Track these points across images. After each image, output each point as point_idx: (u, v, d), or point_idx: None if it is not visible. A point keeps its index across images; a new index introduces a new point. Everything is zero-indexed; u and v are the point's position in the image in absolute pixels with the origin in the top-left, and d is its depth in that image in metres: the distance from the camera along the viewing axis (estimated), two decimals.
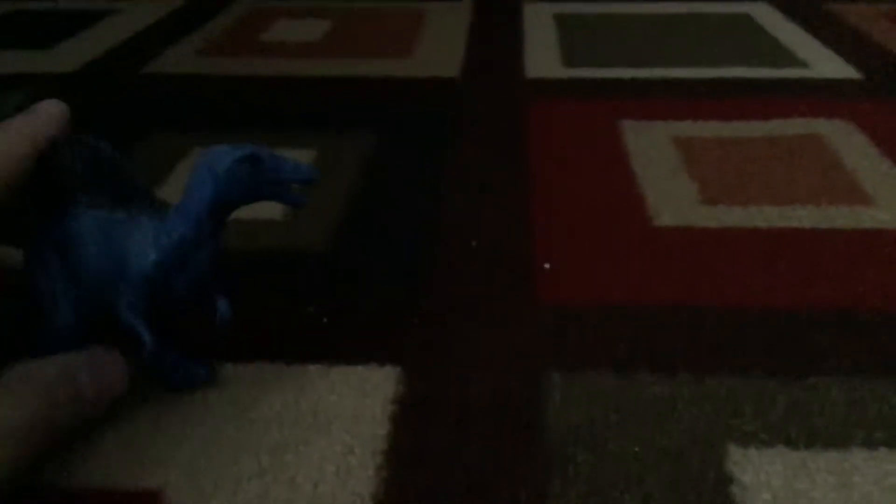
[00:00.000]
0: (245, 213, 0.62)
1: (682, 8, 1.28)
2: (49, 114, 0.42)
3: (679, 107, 0.88)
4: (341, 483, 0.40)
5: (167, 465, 0.41)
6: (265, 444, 0.42)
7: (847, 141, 0.79)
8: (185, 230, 0.42)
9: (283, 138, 0.80)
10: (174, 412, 0.44)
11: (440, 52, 1.08)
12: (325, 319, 0.53)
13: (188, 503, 0.39)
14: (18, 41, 1.12)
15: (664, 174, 0.73)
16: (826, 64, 1.02)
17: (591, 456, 0.42)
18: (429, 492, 0.40)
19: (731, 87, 0.94)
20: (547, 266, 0.59)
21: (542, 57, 1.06)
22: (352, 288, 0.56)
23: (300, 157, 0.76)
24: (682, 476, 0.40)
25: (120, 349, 0.42)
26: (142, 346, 0.41)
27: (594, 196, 0.69)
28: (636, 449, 0.42)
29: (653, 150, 0.78)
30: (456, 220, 0.65)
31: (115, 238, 0.41)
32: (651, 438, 0.43)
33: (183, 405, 0.45)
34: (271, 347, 0.50)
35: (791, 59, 1.04)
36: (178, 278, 0.42)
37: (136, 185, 0.43)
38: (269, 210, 0.66)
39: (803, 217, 0.65)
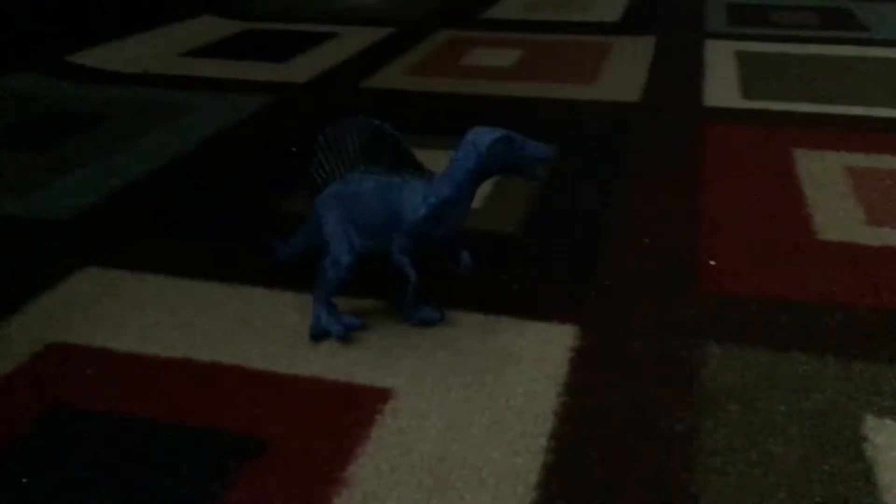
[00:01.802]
0: None
1: (863, 52, 1.30)
2: None
3: (852, 140, 0.92)
4: (529, 400, 0.50)
5: (397, 371, 0.52)
6: (469, 367, 0.53)
7: None
8: (449, 192, 0.54)
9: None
10: (399, 336, 0.56)
11: (623, 79, 1.17)
12: (515, 286, 0.63)
13: (411, 400, 0.50)
14: (257, 55, 1.33)
15: (833, 197, 0.78)
16: None
17: (742, 407, 0.49)
18: (597, 416, 0.49)
19: None
20: (712, 263, 0.66)
21: (721, 88, 1.12)
22: (538, 263, 0.67)
23: None
24: (822, 431, 0.47)
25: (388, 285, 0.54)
26: (407, 282, 0.54)
27: (762, 210, 0.75)
28: (782, 408, 0.49)
29: (823, 177, 0.82)
30: (630, 220, 0.74)
31: (391, 196, 0.54)
32: (797, 402, 0.49)
33: (405, 332, 0.56)
34: (473, 302, 0.60)
35: None
36: (438, 230, 0.54)
37: (411, 157, 0.56)
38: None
39: None
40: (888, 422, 0.48)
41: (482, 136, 0.53)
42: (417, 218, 0.53)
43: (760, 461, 0.45)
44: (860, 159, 0.87)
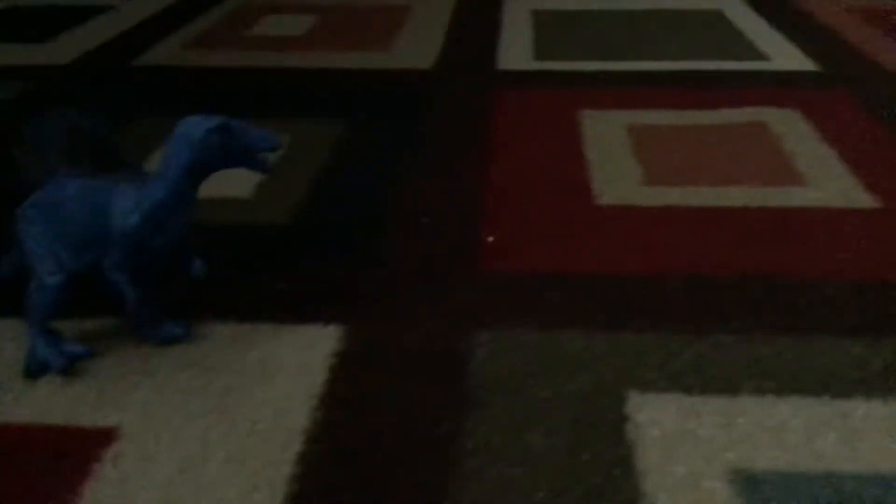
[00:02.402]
0: (215, 190, 0.68)
1: (657, 4, 1.33)
2: None
3: (639, 97, 0.92)
4: (277, 421, 0.45)
5: (127, 405, 0.46)
6: (214, 389, 0.47)
7: (791, 128, 0.83)
8: (163, 194, 0.47)
9: (259, 124, 0.84)
10: (135, 361, 0.49)
11: (418, 45, 1.13)
12: (280, 285, 0.58)
13: (139, 440, 0.43)
14: (16, 35, 1.18)
15: (613, 158, 0.77)
16: (786, 57, 1.06)
17: (506, 399, 0.46)
18: (354, 427, 0.44)
19: (691, 79, 0.98)
20: (490, 239, 0.64)
21: (515, 50, 1.11)
22: (308, 257, 0.61)
23: None
24: (584, 416, 0.45)
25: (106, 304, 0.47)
26: (125, 302, 0.46)
27: (544, 178, 0.74)
28: (547, 394, 0.47)
29: (606, 138, 0.82)
30: (412, 199, 0.70)
31: (98, 203, 0.46)
32: (563, 385, 0.47)
33: (143, 355, 0.50)
34: (229, 310, 0.54)
35: (753, 53, 1.08)
36: (158, 238, 0.47)
37: (119, 156, 0.48)
38: (238, 188, 0.71)
39: (737, 197, 0.69)
40: (651, 396, 0.46)
41: (194, 128, 0.47)
42: (130, 227, 0.46)
43: (521, 458, 0.42)
44: (643, 116, 0.87)
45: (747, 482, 0.41)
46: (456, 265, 0.60)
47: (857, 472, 0.41)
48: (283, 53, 1.09)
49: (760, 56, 1.07)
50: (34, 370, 0.47)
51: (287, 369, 0.49)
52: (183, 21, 1.25)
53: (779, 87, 0.95)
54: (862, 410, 0.45)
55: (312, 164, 0.76)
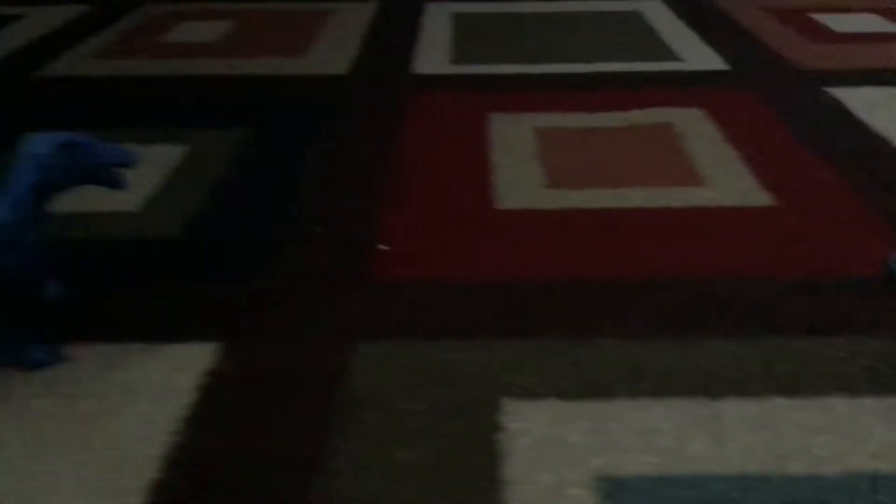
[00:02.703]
0: (103, 204, 0.66)
1: (578, 7, 1.33)
2: None
3: (549, 100, 0.92)
4: (135, 448, 0.43)
5: None
6: (71, 416, 0.45)
7: (695, 128, 0.84)
8: (10, 215, 0.45)
9: (159, 134, 0.83)
10: (7, 386, 0.47)
11: (335, 50, 1.11)
12: (159, 302, 0.56)
13: None
14: None
15: (518, 162, 0.77)
16: (699, 57, 1.07)
17: (379, 415, 0.45)
18: (217, 451, 0.43)
19: (604, 81, 0.98)
20: (384, 248, 0.62)
21: (432, 54, 1.10)
22: (193, 272, 0.60)
23: (171, 152, 0.79)
24: (456, 428, 0.44)
25: None
26: None
27: (447, 184, 0.73)
28: (422, 407, 0.46)
29: (513, 141, 0.82)
30: (309, 208, 0.69)
31: None
32: (438, 397, 0.46)
33: (16, 380, 0.47)
34: (102, 330, 0.52)
35: (667, 54, 1.09)
36: (9, 260, 0.45)
37: None
38: (126, 202, 0.68)
39: (635, 198, 0.70)
40: (524, 403, 0.46)
41: (40, 145, 0.45)
42: None
43: (387, 475, 0.41)
44: (552, 119, 0.87)
45: (612, 488, 0.40)
46: (346, 276, 0.59)
47: (724, 474, 0.41)
48: (195, 60, 1.06)
49: (674, 57, 1.08)
50: None
51: (153, 392, 0.47)
52: (93, 31, 1.21)
53: (688, 88, 0.95)
54: (734, 411, 0.45)
55: (210, 175, 0.74)
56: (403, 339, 0.52)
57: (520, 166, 0.76)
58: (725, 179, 0.73)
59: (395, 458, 0.42)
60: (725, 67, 1.03)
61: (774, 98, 0.92)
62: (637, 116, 0.87)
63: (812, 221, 0.65)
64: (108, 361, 0.49)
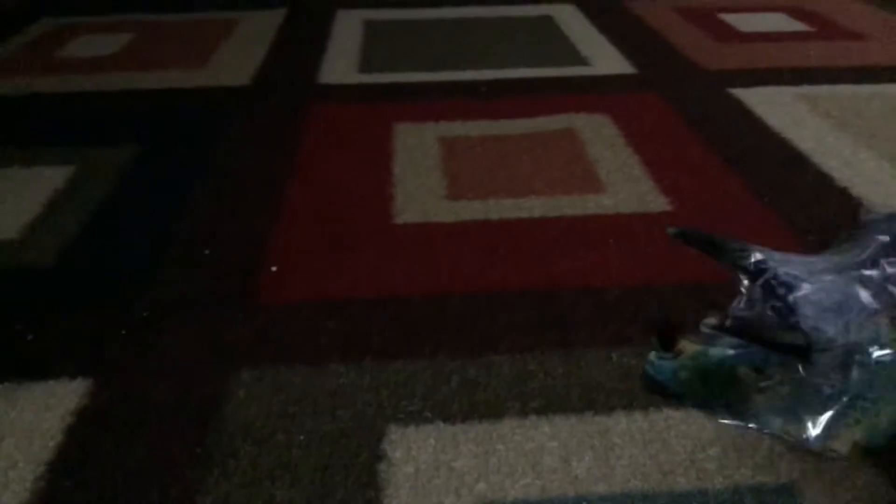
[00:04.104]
0: None
1: (489, 12, 1.33)
2: None
3: (454, 108, 0.91)
4: None
5: None
6: None
7: (598, 133, 0.83)
8: None
9: (43, 155, 0.78)
10: None
11: (238, 61, 1.08)
12: (30, 337, 0.52)
13: None
14: None
15: (419, 173, 0.75)
16: (606, 61, 1.08)
17: (256, 448, 0.43)
18: (80, 497, 0.40)
19: (510, 87, 0.98)
20: (274, 269, 0.60)
21: (340, 63, 1.08)
22: (67, 303, 0.56)
23: (56, 173, 0.75)
24: (337, 459, 0.42)
25: None
26: None
27: (345, 198, 0.71)
28: (301, 437, 0.44)
29: (417, 151, 0.80)
30: (198, 229, 0.66)
31: None
32: (319, 425, 0.45)
33: None
34: None
35: (576, 58, 1.09)
36: None
37: None
38: (4, 230, 0.65)
39: (535, 207, 0.69)
40: (411, 429, 0.44)
41: None
42: None
43: None
44: (456, 127, 0.86)
45: None
46: (232, 300, 0.56)
47: (610, 493, 0.40)
48: (89, 75, 1.02)
49: (582, 61, 1.08)
50: None
51: (16, 435, 0.44)
52: None
53: (593, 93, 0.96)
54: (622, 426, 0.45)
55: (93, 196, 0.71)
56: (287, 365, 0.50)
57: (421, 177, 0.75)
58: (625, 185, 0.73)
59: (270, 494, 0.40)
60: (633, 71, 1.04)
61: (678, 101, 0.93)
62: (542, 123, 0.86)
63: (706, 225, 0.66)
64: None
